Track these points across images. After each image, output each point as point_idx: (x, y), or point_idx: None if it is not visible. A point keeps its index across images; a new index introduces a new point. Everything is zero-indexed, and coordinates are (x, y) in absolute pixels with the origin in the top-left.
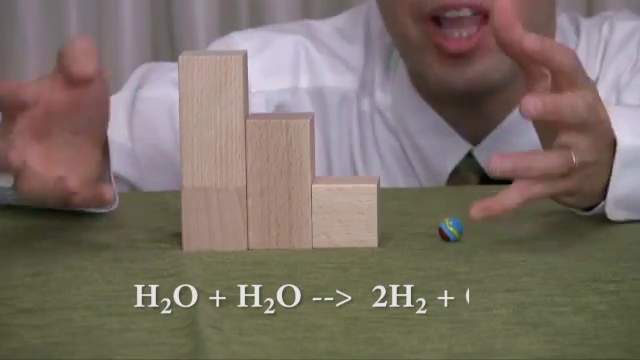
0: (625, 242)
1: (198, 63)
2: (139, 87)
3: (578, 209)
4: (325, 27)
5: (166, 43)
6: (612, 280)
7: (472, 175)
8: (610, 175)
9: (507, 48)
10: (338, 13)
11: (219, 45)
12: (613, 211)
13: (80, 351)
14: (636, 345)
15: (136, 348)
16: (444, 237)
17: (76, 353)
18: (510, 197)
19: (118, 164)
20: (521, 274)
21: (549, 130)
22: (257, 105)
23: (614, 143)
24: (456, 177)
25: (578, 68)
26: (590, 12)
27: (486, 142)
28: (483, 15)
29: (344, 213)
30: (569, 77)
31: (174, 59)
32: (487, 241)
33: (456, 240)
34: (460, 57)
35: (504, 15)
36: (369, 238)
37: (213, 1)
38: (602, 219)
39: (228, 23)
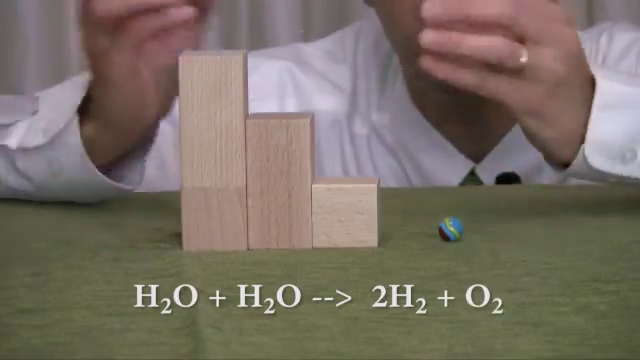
0: (625, 242)
1: (198, 63)
2: None
3: (558, 164)
4: (313, 50)
5: None
6: (612, 280)
7: None
8: (589, 116)
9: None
10: (338, 13)
11: None
12: (593, 156)
13: (80, 351)
14: (636, 345)
15: (136, 348)
16: (444, 237)
17: (76, 353)
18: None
19: None
20: (521, 274)
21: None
22: None
23: (593, 84)
24: None
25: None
26: (590, 15)
27: (488, 159)
28: None
29: (344, 213)
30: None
31: None
32: (487, 241)
33: (456, 240)
34: None
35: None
36: (369, 238)
37: None
38: (602, 219)
39: (228, 24)
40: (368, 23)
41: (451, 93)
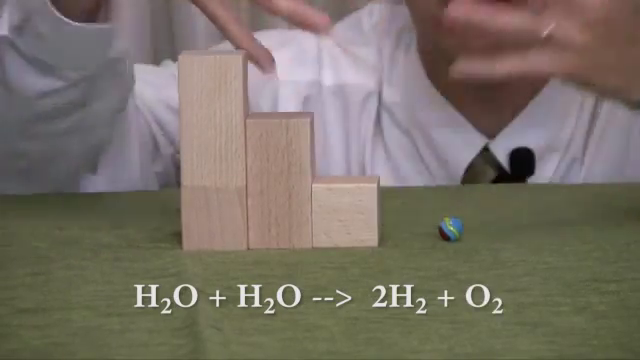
0: (625, 242)
1: (198, 63)
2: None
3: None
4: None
5: (166, 43)
6: (612, 280)
7: (489, 169)
8: None
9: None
10: (338, 13)
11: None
12: None
13: (80, 351)
14: (636, 345)
15: (136, 348)
16: (444, 237)
17: (76, 353)
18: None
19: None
20: (521, 274)
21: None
22: (285, 95)
23: None
24: (472, 172)
25: None
26: None
27: (502, 135)
28: None
29: (344, 213)
30: None
31: (174, 59)
32: (487, 241)
33: (456, 240)
34: None
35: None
36: (369, 238)
37: None
38: (602, 219)
39: None
40: (378, 4)
41: None
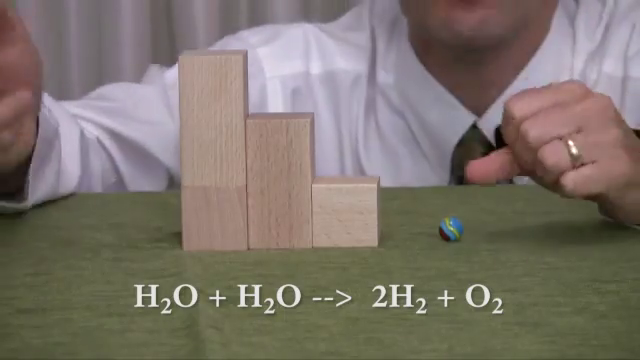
0: (625, 242)
1: (198, 63)
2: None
3: None
4: (329, 26)
5: (166, 43)
6: (612, 280)
7: (477, 146)
8: None
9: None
10: (338, 12)
11: (228, 41)
12: None
13: (80, 351)
14: (636, 345)
15: (136, 348)
16: (444, 237)
17: (76, 353)
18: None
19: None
20: (521, 274)
21: None
22: (273, 90)
23: None
24: (461, 149)
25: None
26: None
27: (490, 112)
28: None
29: (344, 213)
30: None
31: (174, 59)
32: (487, 241)
33: (456, 240)
34: (468, 2)
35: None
36: (369, 238)
37: (213, 1)
38: (603, 219)
39: (228, 23)
40: None
41: (453, 45)
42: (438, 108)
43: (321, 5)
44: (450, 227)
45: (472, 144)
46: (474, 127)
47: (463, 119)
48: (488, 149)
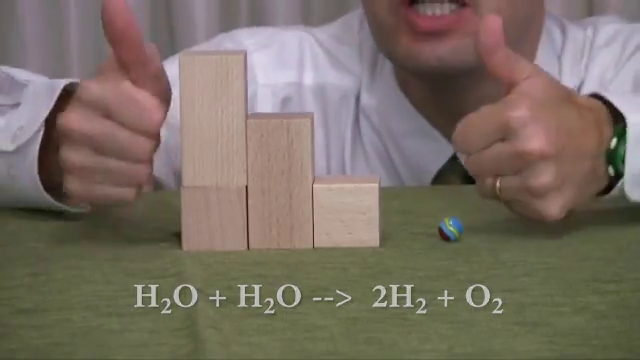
0: (625, 242)
1: (199, 63)
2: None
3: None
4: (321, 34)
5: (166, 41)
6: (612, 280)
7: (456, 178)
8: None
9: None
10: (338, 12)
11: (223, 40)
12: (633, 190)
13: (80, 351)
14: (636, 345)
15: (136, 348)
16: (444, 237)
17: (76, 353)
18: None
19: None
20: (521, 274)
21: None
22: (264, 98)
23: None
24: (440, 180)
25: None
26: (591, 11)
27: None
28: (461, 2)
29: (345, 213)
30: None
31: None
32: (487, 241)
33: (456, 240)
34: (433, 35)
35: (491, 37)
36: (370, 238)
37: None
38: (603, 219)
39: (228, 21)
40: None
41: (426, 79)
42: (417, 137)
43: (320, 6)
44: (450, 227)
45: (450, 176)
46: (454, 158)
47: (442, 150)
48: (467, 181)
